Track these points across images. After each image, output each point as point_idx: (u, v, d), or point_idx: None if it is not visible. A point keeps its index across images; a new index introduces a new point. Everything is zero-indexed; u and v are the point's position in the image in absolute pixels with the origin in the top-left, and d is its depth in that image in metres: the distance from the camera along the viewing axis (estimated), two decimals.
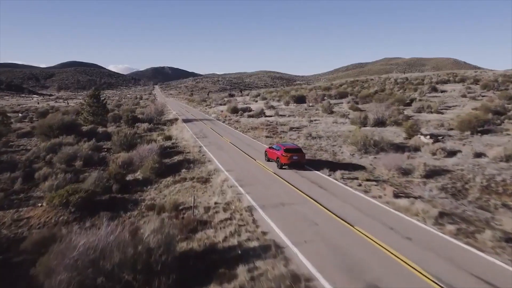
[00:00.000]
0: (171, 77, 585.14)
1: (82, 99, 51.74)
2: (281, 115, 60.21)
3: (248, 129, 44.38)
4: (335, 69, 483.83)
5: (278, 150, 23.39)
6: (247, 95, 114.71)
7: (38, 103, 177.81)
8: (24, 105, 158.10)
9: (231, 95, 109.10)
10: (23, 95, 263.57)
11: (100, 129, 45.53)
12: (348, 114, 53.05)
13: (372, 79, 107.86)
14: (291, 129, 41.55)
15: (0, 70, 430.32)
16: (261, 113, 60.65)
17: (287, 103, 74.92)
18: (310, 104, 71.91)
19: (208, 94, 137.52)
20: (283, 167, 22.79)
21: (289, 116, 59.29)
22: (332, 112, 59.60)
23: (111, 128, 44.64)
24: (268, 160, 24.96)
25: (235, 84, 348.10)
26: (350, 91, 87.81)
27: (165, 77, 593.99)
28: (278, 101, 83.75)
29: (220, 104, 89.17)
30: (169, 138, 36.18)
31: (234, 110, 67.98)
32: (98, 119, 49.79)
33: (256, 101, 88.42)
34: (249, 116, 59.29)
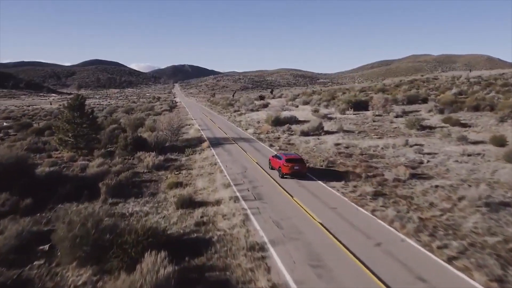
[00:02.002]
0: (191, 75, 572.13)
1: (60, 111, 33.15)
2: (347, 131, 41.11)
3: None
4: (360, 66, 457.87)
5: (280, 159, 22.89)
6: (280, 96, 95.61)
7: (51, 104, 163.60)
8: (34, 106, 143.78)
9: (262, 97, 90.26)
10: (41, 94, 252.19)
11: (80, 163, 27.53)
12: (467, 134, 33.46)
13: (435, 78, 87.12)
14: (411, 173, 22.11)
15: (23, 69, 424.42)
16: (318, 128, 41.66)
17: (342, 111, 55.58)
18: (377, 113, 52.39)
19: (233, 95, 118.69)
20: (285, 176, 22.17)
21: (359, 133, 40.15)
22: (423, 128, 40.23)
23: (96, 163, 26.46)
24: (272, 169, 24.29)
25: (257, 82, 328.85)
26: (415, 93, 67.75)
27: (185, 75, 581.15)
28: (326, 106, 64.47)
29: (252, 110, 70.49)
30: (190, 201, 17.52)
31: (277, 121, 49.23)
32: (82, 143, 31.89)
33: (297, 106, 69.34)
34: (303, 133, 40.32)
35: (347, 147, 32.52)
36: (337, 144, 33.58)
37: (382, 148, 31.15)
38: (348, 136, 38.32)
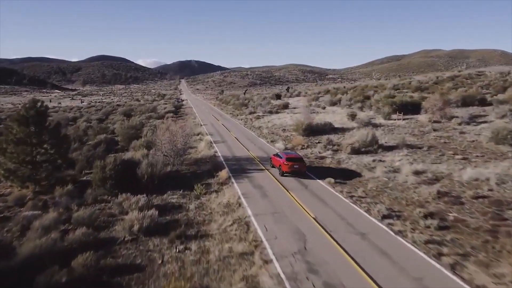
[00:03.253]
0: (198, 71, 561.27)
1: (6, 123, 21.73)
2: (411, 147, 29.90)
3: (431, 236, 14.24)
4: (369, 62, 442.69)
5: (280, 158, 23.31)
6: (298, 95, 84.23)
7: (50, 101, 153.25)
8: None
9: (279, 96, 78.88)
10: (44, 90, 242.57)
11: (25, 215, 16.73)
12: None
13: (479, 74, 75.19)
14: None
15: (28, 64, 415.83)
16: (372, 143, 30.43)
17: (387, 116, 44.25)
18: (434, 118, 41.03)
19: (244, 93, 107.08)
20: (284, 174, 22.58)
21: (429, 150, 28.96)
22: None
23: (45, 220, 15.59)
24: (273, 167, 24.76)
25: (265, 78, 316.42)
26: (465, 92, 56.16)
27: (192, 71, 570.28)
28: (361, 108, 53.12)
29: (270, 112, 59.29)
30: None
31: (310, 130, 38.19)
32: (42, 172, 21.09)
33: (324, 108, 58.03)
34: (354, 151, 29.09)
35: (436, 179, 21.33)
36: (417, 173, 22.40)
37: (497, 183, 19.91)
38: (419, 156, 27.10)
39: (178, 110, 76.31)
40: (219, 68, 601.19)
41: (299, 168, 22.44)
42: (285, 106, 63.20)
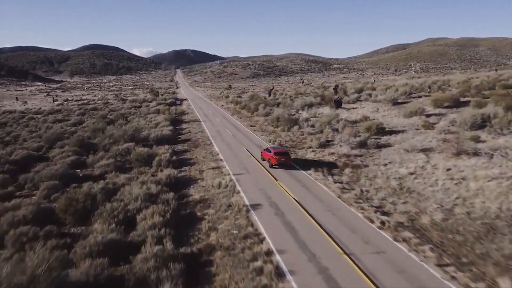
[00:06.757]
0: (193, 60, 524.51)
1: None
2: None
3: None
4: (373, 51, 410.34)
5: (270, 152, 25.42)
6: (359, 97, 53.30)
7: (17, 99, 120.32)
8: None
9: (339, 104, 48.01)
10: (23, 82, 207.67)
11: None
12: None
13: None
14: None
15: (13, 54, 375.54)
16: None
17: None
18: None
19: (269, 94, 75.14)
20: (273, 166, 24.80)
21: None
22: None
23: None
24: (263, 160, 26.68)
25: (268, 68, 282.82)
26: None
27: (188, 60, 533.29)
28: None
29: (364, 145, 28.85)
30: None
31: None
32: None
33: (478, 140, 27.54)
34: None
35: None
36: None
37: None
38: None
39: (177, 127, 45.38)
40: (215, 57, 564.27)
41: (285, 161, 24.61)
42: (380, 129, 32.70)
